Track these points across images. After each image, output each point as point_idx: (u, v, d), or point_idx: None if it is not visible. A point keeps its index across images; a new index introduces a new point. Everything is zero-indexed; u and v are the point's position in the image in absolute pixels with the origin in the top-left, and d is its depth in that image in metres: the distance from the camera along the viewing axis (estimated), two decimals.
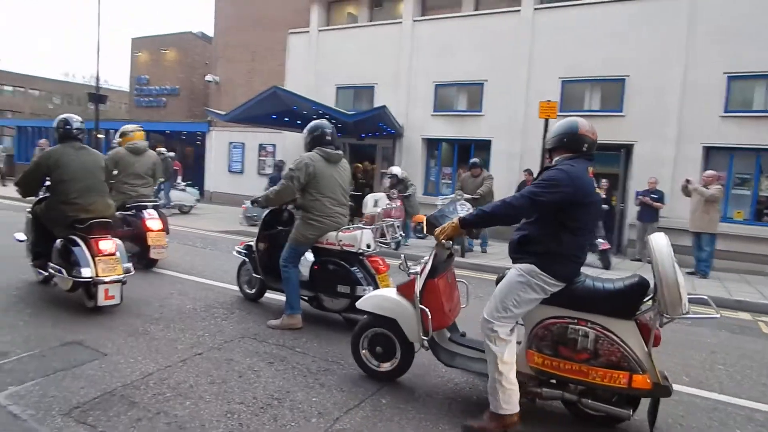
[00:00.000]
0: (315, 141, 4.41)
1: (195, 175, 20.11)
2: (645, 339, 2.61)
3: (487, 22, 13.43)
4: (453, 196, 9.78)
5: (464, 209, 8.59)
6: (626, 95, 11.68)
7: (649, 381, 2.56)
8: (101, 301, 4.28)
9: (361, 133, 14.89)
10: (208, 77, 19.58)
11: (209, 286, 5.70)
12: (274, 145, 17.74)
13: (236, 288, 5.43)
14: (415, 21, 14.48)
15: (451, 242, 3.10)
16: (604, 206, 9.17)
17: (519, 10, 12.94)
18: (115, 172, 6.33)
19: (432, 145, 14.57)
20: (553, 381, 2.81)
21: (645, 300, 2.67)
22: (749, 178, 10.69)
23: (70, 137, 4.66)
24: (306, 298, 4.59)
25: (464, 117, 13.76)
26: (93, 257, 4.28)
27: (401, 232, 9.62)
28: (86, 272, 4.21)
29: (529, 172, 11.59)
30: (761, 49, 10.25)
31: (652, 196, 10.18)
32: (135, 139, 6.69)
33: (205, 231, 10.85)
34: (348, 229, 4.44)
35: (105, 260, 4.32)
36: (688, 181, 9.05)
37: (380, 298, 3.39)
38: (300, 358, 3.66)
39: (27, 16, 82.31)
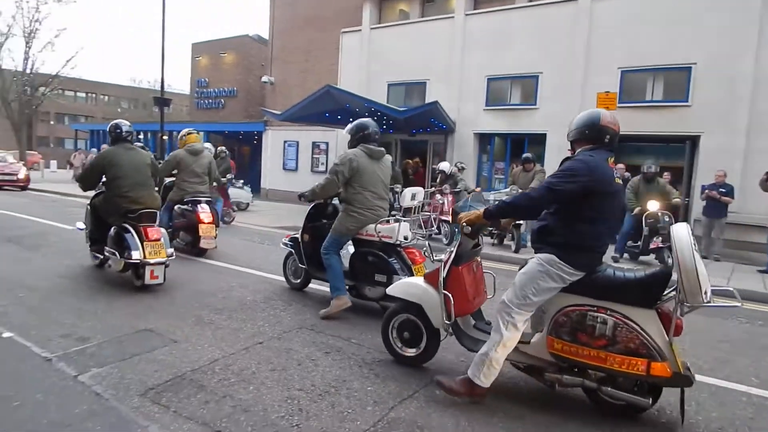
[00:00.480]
0: (360, 139, 4.63)
1: (251, 173, 20.82)
2: (666, 328, 2.61)
3: (542, 13, 13.12)
4: (507, 190, 9.66)
5: None
6: (692, 84, 11.10)
7: (669, 369, 2.56)
8: (148, 280, 4.95)
9: (413, 129, 14.93)
10: (264, 78, 20.18)
11: (268, 279, 5.93)
12: (327, 143, 18.08)
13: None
14: (467, 15, 14.34)
15: (470, 230, 3.16)
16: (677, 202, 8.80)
17: (576, 0, 12.55)
18: (175, 171, 7.17)
19: (484, 139, 14.41)
20: (576, 369, 2.83)
21: (668, 291, 2.65)
22: None
23: (120, 139, 5.36)
24: (347, 287, 4.76)
25: (518, 111, 13.51)
26: (141, 242, 4.94)
27: (445, 226, 9.60)
28: (136, 255, 4.88)
29: None
30: None
31: (720, 190, 9.61)
32: (191, 142, 7.35)
33: (263, 227, 11.22)
34: (387, 221, 4.60)
35: (152, 245, 4.98)
36: (767, 174, 8.52)
37: (408, 284, 3.53)
38: (355, 349, 3.77)
39: (97, 26, 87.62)
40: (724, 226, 9.77)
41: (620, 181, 2.85)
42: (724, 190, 9.63)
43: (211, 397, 2.91)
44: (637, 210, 8.35)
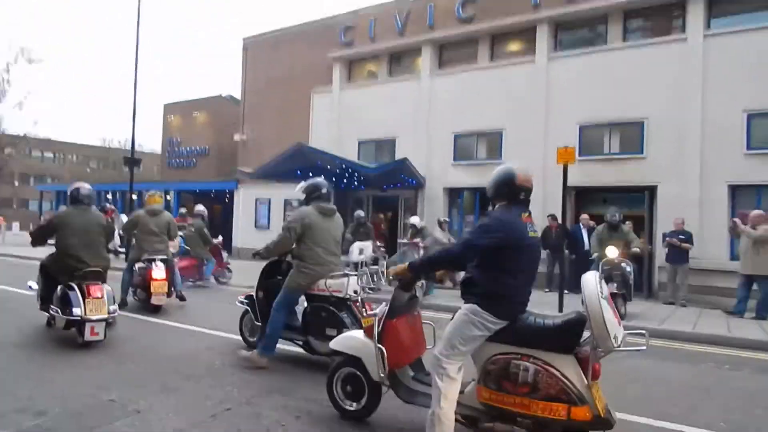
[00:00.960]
0: (314, 198, 4.89)
1: (222, 231, 20.59)
2: (585, 372, 2.69)
3: (503, 73, 13.85)
4: None
5: None
6: (646, 137, 11.74)
7: (589, 413, 2.63)
8: (88, 336, 5.08)
9: (384, 184, 15.19)
10: (236, 136, 20.41)
11: (237, 341, 5.77)
12: (299, 200, 18.13)
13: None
14: (432, 75, 15.01)
15: (415, 284, 3.39)
16: (637, 250, 8.94)
17: (533, 60, 13.33)
18: (135, 232, 7.69)
19: (454, 194, 14.74)
20: (507, 417, 2.89)
21: (586, 336, 2.76)
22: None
23: (77, 201, 5.64)
24: (300, 342, 4.86)
25: (484, 165, 13.92)
26: (84, 300, 5.08)
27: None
28: (77, 311, 5.05)
29: (552, 217, 11.60)
30: None
31: (680, 237, 10.00)
32: (151, 203, 7.80)
33: (234, 286, 11.02)
34: (336, 276, 4.70)
35: (93, 302, 5.12)
36: (734, 222, 8.93)
37: (349, 338, 3.62)
38: (327, 411, 3.67)
39: (66, 86, 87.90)
40: (687, 271, 10.08)
41: (535, 235, 3.01)
42: (683, 237, 10.02)
43: None
44: (595, 255, 8.49)
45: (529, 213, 2.99)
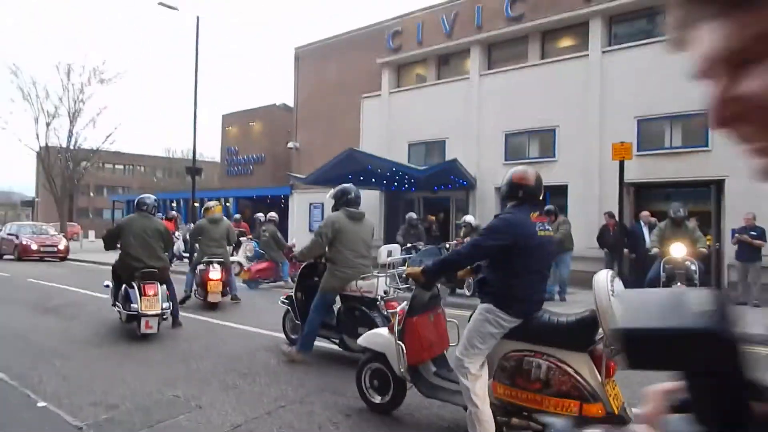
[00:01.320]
0: (343, 203, 5.13)
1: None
2: (599, 370, 2.72)
3: (554, 69, 13.54)
4: None
5: None
6: (711, 129, 11.08)
7: (601, 410, 2.66)
8: (143, 329, 5.75)
9: (434, 186, 15.19)
10: (290, 144, 21.03)
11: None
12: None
13: (319, 343, 5.69)
14: (481, 75, 14.89)
15: (435, 286, 3.55)
16: (703, 250, 8.50)
17: (587, 54, 12.95)
18: (200, 237, 8.54)
19: None
20: (525, 413, 2.93)
21: (600, 334, 2.76)
22: None
23: (140, 209, 6.46)
24: (336, 340, 5.10)
25: (537, 163, 13.63)
26: (141, 297, 5.74)
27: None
28: (134, 307, 5.74)
29: (610, 215, 11.18)
30: None
31: (751, 233, 9.38)
32: (210, 213, 8.60)
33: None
34: (366, 277, 4.88)
35: (148, 299, 5.78)
36: None
37: (375, 335, 3.82)
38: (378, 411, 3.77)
39: (134, 101, 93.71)
40: (760, 270, 9.44)
41: (547, 233, 3.08)
42: (755, 233, 9.39)
43: None
44: (654, 251, 8.06)
45: (541, 212, 3.04)
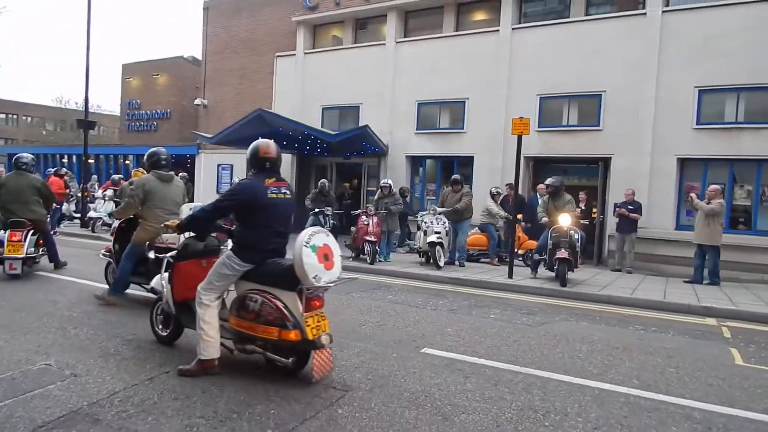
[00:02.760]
0: (152, 165, 5.75)
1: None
2: (302, 304, 3.46)
3: (467, 42, 13.79)
4: (427, 212, 10.06)
5: (440, 222, 8.99)
6: (603, 110, 11.97)
7: (298, 336, 3.38)
8: (7, 270, 6.68)
9: (347, 152, 15.15)
10: (197, 101, 19.86)
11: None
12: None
13: None
14: (398, 42, 14.83)
15: (207, 235, 4.31)
16: (584, 222, 9.27)
17: (498, 30, 13.31)
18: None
19: (416, 162, 14.82)
20: (259, 341, 3.61)
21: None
22: (723, 188, 10.88)
23: (18, 167, 7.22)
24: (147, 287, 5.36)
25: (447, 134, 14.02)
26: (8, 241, 6.67)
27: (367, 246, 9.70)
28: (1, 251, 6.67)
29: (510, 186, 11.85)
30: (729, 63, 10.59)
31: (629, 207, 10.39)
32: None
33: None
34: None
35: (12, 244, 6.69)
36: (692, 197, 9.45)
37: (159, 277, 4.42)
38: (262, 372, 3.78)
39: (19, 44, 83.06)
40: (635, 240, 10.53)
41: (282, 196, 3.72)
42: (632, 207, 10.42)
43: (106, 430, 2.84)
44: (545, 221, 8.63)
45: (277, 179, 3.69)
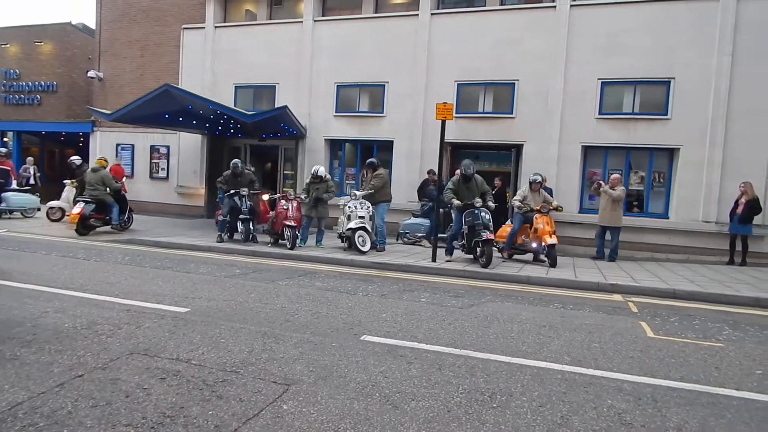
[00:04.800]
0: None
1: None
2: None
3: (387, 25, 13.69)
4: (348, 197, 9.99)
5: (364, 207, 9.00)
6: (516, 98, 12.47)
7: None
8: None
9: (263, 133, 14.54)
10: (91, 73, 17.97)
11: (92, 300, 5.23)
12: (168, 147, 16.70)
13: (125, 301, 5.10)
14: (315, 21, 14.38)
15: None
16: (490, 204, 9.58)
17: (417, 14, 13.33)
18: None
19: (335, 145, 14.57)
20: None
21: None
22: (620, 174, 11.83)
23: None
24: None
25: (366, 118, 13.90)
26: None
27: (288, 231, 9.39)
28: None
29: (432, 172, 12.04)
30: (629, 58, 11.46)
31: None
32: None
33: (91, 240, 9.97)
34: None
35: None
36: (599, 184, 10.27)
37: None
38: (196, 371, 3.47)
39: None
40: None
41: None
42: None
43: None
44: (456, 203, 8.75)
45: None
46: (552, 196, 11.02)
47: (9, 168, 13.36)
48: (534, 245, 9.27)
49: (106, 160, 12.17)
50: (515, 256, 9.85)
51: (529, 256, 9.66)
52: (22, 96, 23.20)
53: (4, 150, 13.72)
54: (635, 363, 4.03)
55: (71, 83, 22.43)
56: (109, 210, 11.08)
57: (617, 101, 11.89)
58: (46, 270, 6.74)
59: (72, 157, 12.49)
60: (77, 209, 10.53)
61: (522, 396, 3.28)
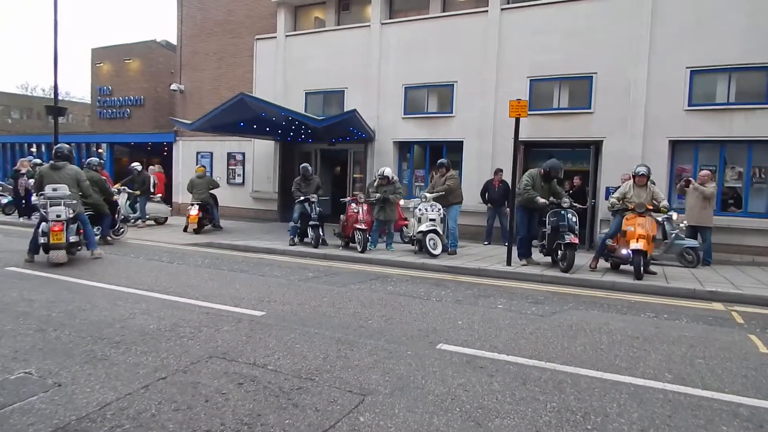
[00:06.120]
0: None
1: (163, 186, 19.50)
2: None
3: (454, 23, 13.42)
4: (418, 199, 9.81)
5: (435, 209, 8.75)
6: (594, 92, 11.78)
7: None
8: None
9: (332, 138, 14.72)
10: (174, 86, 19.07)
11: (175, 303, 5.42)
12: (243, 153, 17.35)
13: (205, 304, 5.25)
14: (383, 24, 14.37)
15: None
16: (576, 205, 8.98)
17: (486, 11, 12.96)
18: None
19: (404, 147, 14.47)
20: None
21: None
22: (714, 170, 10.84)
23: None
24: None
25: (435, 119, 13.70)
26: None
27: (359, 234, 9.39)
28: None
29: (498, 171, 11.67)
30: (721, 43, 10.47)
31: None
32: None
33: (172, 244, 10.48)
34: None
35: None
36: (687, 181, 9.54)
37: None
38: (272, 377, 3.45)
39: None
40: None
41: None
42: None
43: None
44: (542, 201, 8.10)
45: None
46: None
47: (105, 177, 14.28)
48: (623, 252, 7.89)
49: (204, 167, 14.29)
50: (599, 265, 8.39)
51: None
52: (114, 110, 25.10)
53: (95, 160, 14.65)
54: (750, 383, 3.56)
55: (156, 96, 23.98)
56: (210, 210, 12.79)
57: (709, 91, 10.90)
58: (134, 273, 7.12)
59: (133, 164, 13.57)
60: (194, 211, 12.10)
61: (620, 418, 2.96)
